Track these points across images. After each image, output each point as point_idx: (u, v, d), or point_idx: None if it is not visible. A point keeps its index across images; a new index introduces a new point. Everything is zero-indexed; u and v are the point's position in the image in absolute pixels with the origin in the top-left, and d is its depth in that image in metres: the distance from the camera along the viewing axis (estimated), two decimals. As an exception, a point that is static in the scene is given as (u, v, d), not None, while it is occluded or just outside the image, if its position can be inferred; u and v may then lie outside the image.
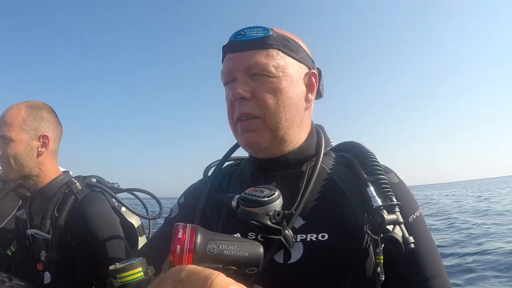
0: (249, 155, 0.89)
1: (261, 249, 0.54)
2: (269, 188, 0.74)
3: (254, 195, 0.72)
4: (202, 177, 0.97)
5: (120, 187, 1.66)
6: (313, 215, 0.78)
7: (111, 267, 0.61)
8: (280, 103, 0.77)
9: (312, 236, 0.75)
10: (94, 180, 1.49)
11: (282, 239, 0.73)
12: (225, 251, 0.51)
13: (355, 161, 0.83)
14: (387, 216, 0.71)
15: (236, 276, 0.50)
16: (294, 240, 0.75)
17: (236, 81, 0.77)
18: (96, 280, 1.28)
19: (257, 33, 0.77)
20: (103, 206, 1.32)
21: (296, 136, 0.83)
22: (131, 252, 1.25)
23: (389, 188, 0.77)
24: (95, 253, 1.21)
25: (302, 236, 0.76)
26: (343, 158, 0.88)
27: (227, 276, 0.34)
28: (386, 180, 0.79)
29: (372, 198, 0.75)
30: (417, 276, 0.74)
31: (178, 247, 0.48)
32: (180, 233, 0.49)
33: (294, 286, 0.75)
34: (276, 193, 0.73)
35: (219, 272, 0.34)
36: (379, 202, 0.74)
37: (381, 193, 0.76)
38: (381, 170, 0.80)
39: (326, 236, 0.75)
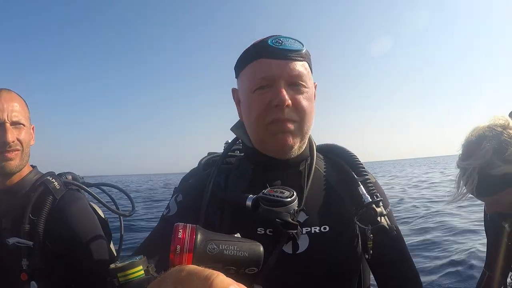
0: (243, 154, 0.97)
1: (261, 249, 0.55)
2: (287, 190, 0.82)
3: (276, 196, 0.80)
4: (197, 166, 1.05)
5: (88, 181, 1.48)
6: (314, 210, 0.88)
7: (112, 266, 0.60)
8: (311, 111, 0.87)
9: (316, 228, 0.86)
10: (70, 177, 1.36)
11: (294, 232, 0.81)
12: (225, 251, 0.51)
13: (344, 163, 0.96)
14: (377, 209, 0.86)
15: (236, 276, 0.50)
16: (301, 233, 0.84)
17: (280, 88, 0.81)
18: (80, 284, 1.21)
19: (294, 44, 0.84)
20: (84, 206, 1.24)
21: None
22: (112, 251, 1.22)
23: (373, 186, 0.92)
24: (78, 256, 1.16)
25: (307, 229, 0.86)
26: (330, 159, 1.00)
27: (227, 276, 0.34)
28: (371, 180, 0.94)
29: (363, 195, 0.89)
30: (399, 264, 0.93)
31: (178, 247, 0.48)
32: (180, 233, 0.49)
33: (303, 273, 0.85)
34: (295, 194, 0.82)
35: (219, 272, 0.34)
36: (369, 198, 0.88)
37: (369, 191, 0.90)
38: (367, 172, 0.94)
39: (327, 228, 0.87)
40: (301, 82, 0.83)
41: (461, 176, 1.12)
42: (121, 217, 1.48)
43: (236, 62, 0.90)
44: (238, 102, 0.93)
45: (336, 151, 1.02)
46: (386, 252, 0.91)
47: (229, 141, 1.12)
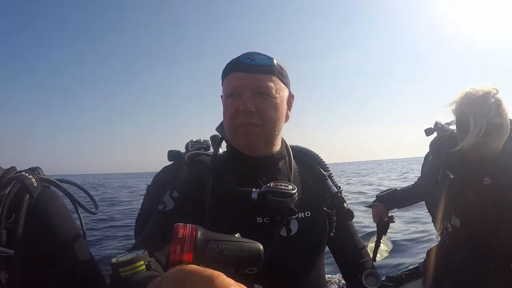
0: (233, 156, 1.07)
1: (261, 249, 0.55)
2: (290, 184, 0.95)
3: (282, 189, 0.92)
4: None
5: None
6: (298, 199, 0.99)
7: (113, 261, 0.60)
8: (276, 117, 0.99)
9: (302, 214, 1.02)
10: (41, 172, 1.22)
11: (290, 218, 0.97)
12: (225, 251, 0.51)
13: (313, 161, 1.17)
14: (343, 197, 1.08)
15: (236, 276, 0.51)
16: (292, 218, 1.00)
17: (245, 97, 0.96)
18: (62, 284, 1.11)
19: (264, 60, 0.98)
20: (64, 204, 1.16)
21: (279, 141, 1.08)
22: (89, 250, 1.16)
23: (334, 180, 1.14)
24: (60, 257, 1.08)
25: (295, 215, 1.00)
26: (299, 158, 1.16)
27: (227, 276, 0.34)
28: (332, 174, 1.17)
29: (331, 186, 1.10)
30: (353, 238, 1.16)
31: (178, 247, 0.48)
32: (180, 233, 0.49)
33: (297, 251, 1.01)
34: (296, 187, 0.95)
35: (219, 272, 0.34)
36: (335, 189, 1.09)
37: (333, 183, 1.12)
38: (329, 168, 1.16)
39: (309, 214, 1.04)
40: (266, 92, 0.97)
41: (467, 120, 1.36)
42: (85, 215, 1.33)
43: (222, 73, 1.05)
44: (222, 104, 1.06)
45: (303, 152, 1.20)
46: (344, 230, 1.13)
47: (194, 139, 1.27)
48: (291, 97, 1.08)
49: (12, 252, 0.99)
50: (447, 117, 1.69)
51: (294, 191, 0.92)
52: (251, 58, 0.97)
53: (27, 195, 1.06)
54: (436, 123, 1.76)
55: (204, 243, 0.49)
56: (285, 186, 0.93)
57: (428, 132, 1.79)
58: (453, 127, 1.65)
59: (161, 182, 1.21)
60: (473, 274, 1.50)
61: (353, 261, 1.13)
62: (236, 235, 0.57)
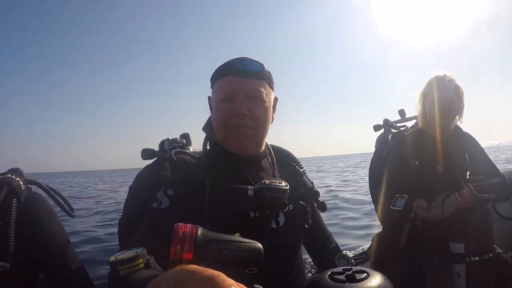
0: (221, 155, 1.10)
1: (262, 249, 0.55)
2: (282, 181, 1.01)
3: (277, 186, 0.98)
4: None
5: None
6: None
7: (112, 259, 0.60)
8: (265, 120, 1.07)
9: (287, 207, 1.08)
10: (23, 173, 1.13)
11: (279, 212, 1.06)
12: (225, 251, 0.51)
13: (289, 160, 1.25)
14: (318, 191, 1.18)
15: (236, 276, 0.50)
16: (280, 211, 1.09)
17: (239, 101, 1.01)
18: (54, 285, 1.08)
19: (256, 66, 1.04)
20: (50, 207, 1.11)
21: (264, 141, 1.16)
22: (76, 253, 1.14)
23: (307, 176, 1.23)
24: (51, 263, 1.04)
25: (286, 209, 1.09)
26: (277, 156, 1.23)
27: (227, 276, 0.34)
28: (306, 171, 1.26)
29: (307, 181, 1.19)
30: (323, 227, 1.30)
31: (179, 247, 0.48)
32: (180, 233, 0.49)
33: (286, 241, 1.08)
34: (287, 184, 1.01)
35: (220, 272, 0.34)
36: (310, 184, 1.18)
37: (308, 179, 1.21)
38: (303, 166, 1.26)
39: (292, 207, 1.12)
40: (258, 97, 1.03)
41: (445, 96, 1.66)
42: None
43: (211, 76, 1.09)
44: (211, 108, 1.12)
45: (280, 151, 1.28)
46: (315, 220, 1.23)
47: (170, 138, 1.33)
48: (275, 100, 1.15)
49: (8, 266, 0.91)
50: (391, 117, 1.99)
51: (287, 187, 1.00)
52: (244, 63, 1.03)
53: (15, 199, 0.97)
54: (385, 120, 1.94)
55: (204, 243, 0.49)
56: (278, 183, 0.99)
57: (376, 128, 1.97)
58: (402, 124, 1.99)
59: (146, 181, 1.20)
60: (416, 256, 1.65)
61: (324, 247, 1.27)
62: (235, 235, 0.57)
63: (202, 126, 1.16)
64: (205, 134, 1.14)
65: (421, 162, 1.69)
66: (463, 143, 1.77)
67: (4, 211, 0.94)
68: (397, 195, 1.65)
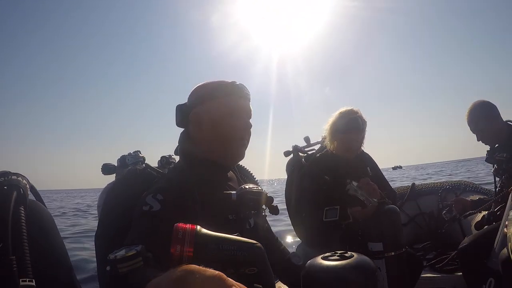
0: (202, 163, 1.17)
1: (262, 250, 0.55)
2: (257, 186, 1.13)
3: (255, 189, 1.06)
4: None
5: None
6: None
7: (111, 257, 0.60)
8: None
9: (253, 210, 1.17)
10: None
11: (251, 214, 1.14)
12: (225, 251, 0.51)
13: (242, 169, 1.37)
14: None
15: (236, 276, 0.51)
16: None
17: (247, 118, 1.19)
18: None
19: (247, 90, 1.20)
20: (49, 213, 1.07)
21: None
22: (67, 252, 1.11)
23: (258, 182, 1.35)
24: (52, 267, 1.00)
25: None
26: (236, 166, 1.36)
27: (227, 276, 0.35)
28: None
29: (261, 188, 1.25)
30: (273, 234, 1.37)
31: (179, 247, 0.48)
32: (180, 233, 0.49)
33: (263, 241, 1.14)
34: (262, 188, 1.13)
35: (220, 272, 0.35)
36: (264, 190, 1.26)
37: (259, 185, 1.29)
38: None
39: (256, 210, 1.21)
40: (251, 115, 1.22)
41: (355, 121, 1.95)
42: None
43: (206, 93, 1.16)
44: (198, 121, 1.14)
45: None
46: (267, 224, 1.35)
47: (132, 152, 1.35)
48: None
49: (33, 285, 0.82)
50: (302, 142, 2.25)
51: (263, 191, 1.11)
52: (243, 86, 1.18)
53: (22, 207, 0.89)
54: (295, 146, 2.20)
55: (204, 243, 0.50)
56: (255, 188, 1.09)
57: (286, 153, 2.22)
58: (309, 148, 2.25)
59: (121, 194, 1.18)
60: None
61: (278, 248, 1.38)
62: (235, 235, 0.58)
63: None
64: (177, 146, 1.22)
65: (332, 178, 1.93)
66: (364, 160, 2.14)
67: (16, 222, 0.85)
68: (326, 208, 1.85)
